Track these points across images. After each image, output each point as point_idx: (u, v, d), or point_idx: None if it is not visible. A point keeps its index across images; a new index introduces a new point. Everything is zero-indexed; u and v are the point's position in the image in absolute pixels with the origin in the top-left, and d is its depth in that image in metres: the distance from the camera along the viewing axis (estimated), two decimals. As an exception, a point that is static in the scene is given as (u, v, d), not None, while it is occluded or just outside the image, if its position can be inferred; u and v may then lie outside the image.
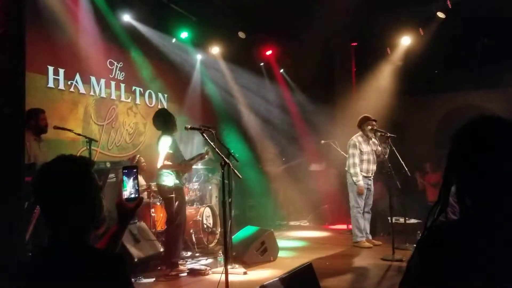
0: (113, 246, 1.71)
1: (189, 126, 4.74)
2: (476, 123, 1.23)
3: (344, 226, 7.97)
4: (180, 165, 5.36)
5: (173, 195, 5.24)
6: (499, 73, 10.26)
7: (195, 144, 8.26)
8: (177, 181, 5.31)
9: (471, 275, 1.09)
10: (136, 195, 1.73)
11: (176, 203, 5.27)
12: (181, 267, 5.23)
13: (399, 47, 9.56)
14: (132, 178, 1.74)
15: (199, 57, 9.10)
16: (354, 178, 6.39)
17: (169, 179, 5.29)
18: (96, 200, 1.53)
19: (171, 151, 5.28)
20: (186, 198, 6.54)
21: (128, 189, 1.73)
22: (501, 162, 1.15)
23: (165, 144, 5.27)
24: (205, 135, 4.60)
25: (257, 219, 8.30)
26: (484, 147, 1.18)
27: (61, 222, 1.47)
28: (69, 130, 5.40)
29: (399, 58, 9.83)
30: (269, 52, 10.03)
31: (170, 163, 5.29)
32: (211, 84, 9.32)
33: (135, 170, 1.75)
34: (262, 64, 10.39)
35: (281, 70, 10.79)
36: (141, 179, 6.69)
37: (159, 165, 5.24)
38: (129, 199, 1.72)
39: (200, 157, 5.64)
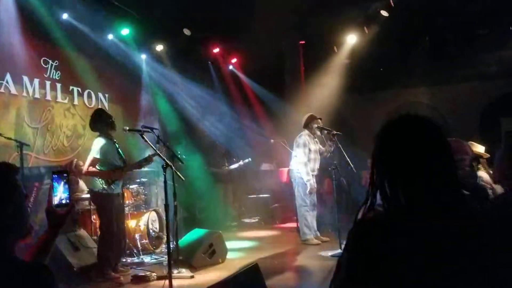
0: (42, 256, 1.66)
1: (128, 128, 4.66)
2: (392, 123, 1.30)
3: (293, 224, 8.13)
4: (107, 172, 5.13)
5: (102, 203, 5.10)
6: (444, 71, 10.87)
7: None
8: (105, 187, 5.12)
9: (396, 266, 1.13)
10: (67, 201, 1.70)
11: (103, 211, 5.13)
12: (113, 274, 5.11)
13: (346, 45, 9.87)
14: (62, 183, 1.70)
15: (143, 56, 8.97)
16: (305, 177, 6.52)
17: (96, 184, 5.15)
18: (19, 208, 1.49)
19: (98, 156, 5.11)
20: (131, 201, 6.47)
21: (58, 195, 1.69)
22: (413, 158, 1.22)
23: (95, 147, 5.13)
24: (145, 137, 4.56)
25: (207, 221, 8.31)
26: (396, 145, 1.26)
27: None
28: (-2, 133, 5.16)
29: (345, 56, 10.15)
30: (216, 50, 10.02)
31: (94, 169, 5.13)
32: (156, 84, 9.18)
33: (65, 175, 1.72)
34: (209, 62, 10.38)
35: (230, 67, 10.82)
36: (82, 184, 6.52)
37: (83, 170, 5.09)
38: (59, 205, 1.69)
39: (145, 160, 5.50)
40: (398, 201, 1.22)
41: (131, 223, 6.28)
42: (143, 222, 6.35)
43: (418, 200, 1.20)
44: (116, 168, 5.22)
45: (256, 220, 9.46)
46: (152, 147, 4.63)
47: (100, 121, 5.21)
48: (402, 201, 1.21)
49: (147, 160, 5.41)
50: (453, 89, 11.30)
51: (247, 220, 9.53)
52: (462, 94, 11.11)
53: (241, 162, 8.93)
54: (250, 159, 8.96)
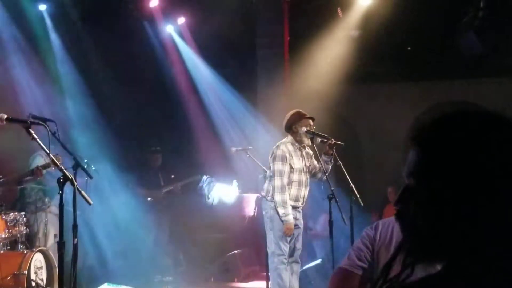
0: None
1: (6, 117, 4.61)
2: (453, 120, 1.23)
3: (263, 284, 8.16)
4: None
5: None
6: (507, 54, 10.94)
7: None
8: None
9: None
10: None
11: None
12: None
13: (356, 7, 10.03)
14: None
15: (42, 7, 9.23)
16: (281, 210, 6.49)
17: None
18: None
19: None
20: (3, 235, 6.46)
21: None
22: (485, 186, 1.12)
23: None
24: (32, 132, 4.52)
25: (125, 272, 8.26)
26: (460, 158, 1.15)
27: None
28: None
29: (355, 25, 10.29)
30: (153, 2, 10.07)
31: None
32: (56, 43, 9.34)
33: None
34: (145, 22, 10.42)
35: (170, 29, 10.85)
36: None
37: None
38: None
39: (31, 174, 5.45)
40: (462, 254, 1.14)
41: (1, 270, 6.18)
42: (22, 270, 6.26)
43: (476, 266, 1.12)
44: None
45: (203, 273, 9.44)
46: (44, 149, 4.59)
47: None
48: (471, 257, 1.13)
49: (34, 175, 5.37)
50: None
51: (188, 274, 9.49)
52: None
53: (185, 181, 8.90)
54: (200, 176, 8.96)
